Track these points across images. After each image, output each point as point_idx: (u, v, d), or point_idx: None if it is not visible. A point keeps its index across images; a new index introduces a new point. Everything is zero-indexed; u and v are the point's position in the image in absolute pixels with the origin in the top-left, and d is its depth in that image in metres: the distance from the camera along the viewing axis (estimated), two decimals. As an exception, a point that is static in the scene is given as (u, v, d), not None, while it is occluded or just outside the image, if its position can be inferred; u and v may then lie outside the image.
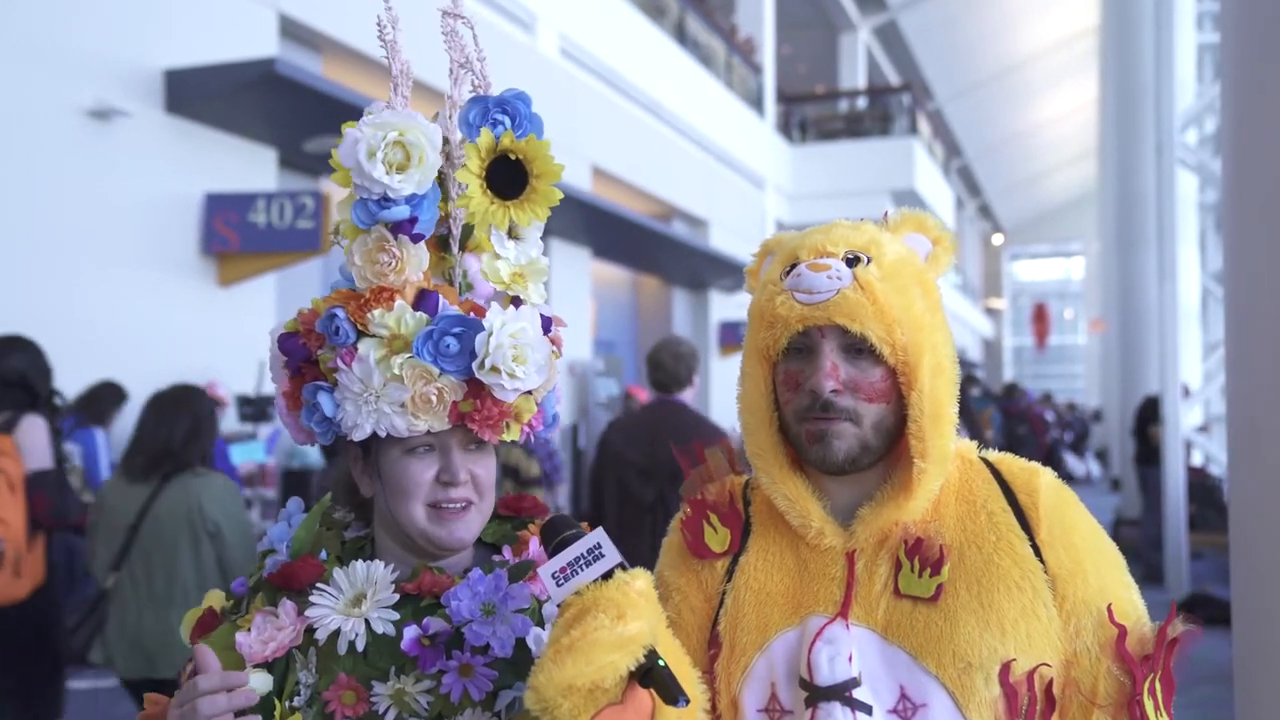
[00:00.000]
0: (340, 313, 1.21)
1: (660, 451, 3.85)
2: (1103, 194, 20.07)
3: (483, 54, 1.31)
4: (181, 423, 3.51)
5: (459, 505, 1.25)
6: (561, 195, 1.29)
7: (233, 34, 7.80)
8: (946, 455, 1.23)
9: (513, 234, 1.30)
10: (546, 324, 1.27)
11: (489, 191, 1.26)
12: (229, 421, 7.55)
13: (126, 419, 6.68)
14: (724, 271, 15.46)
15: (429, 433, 1.22)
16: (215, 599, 1.34)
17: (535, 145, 1.26)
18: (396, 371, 1.18)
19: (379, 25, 1.26)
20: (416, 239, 1.22)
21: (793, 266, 1.26)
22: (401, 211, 1.20)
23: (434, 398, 1.19)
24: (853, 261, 1.24)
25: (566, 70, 12.55)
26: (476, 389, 1.20)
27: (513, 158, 1.26)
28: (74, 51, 6.81)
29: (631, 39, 14.36)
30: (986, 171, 36.29)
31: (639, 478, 4.08)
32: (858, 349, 1.22)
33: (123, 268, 7.20)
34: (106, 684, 6.24)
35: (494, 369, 1.18)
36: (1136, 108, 13.00)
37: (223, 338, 7.86)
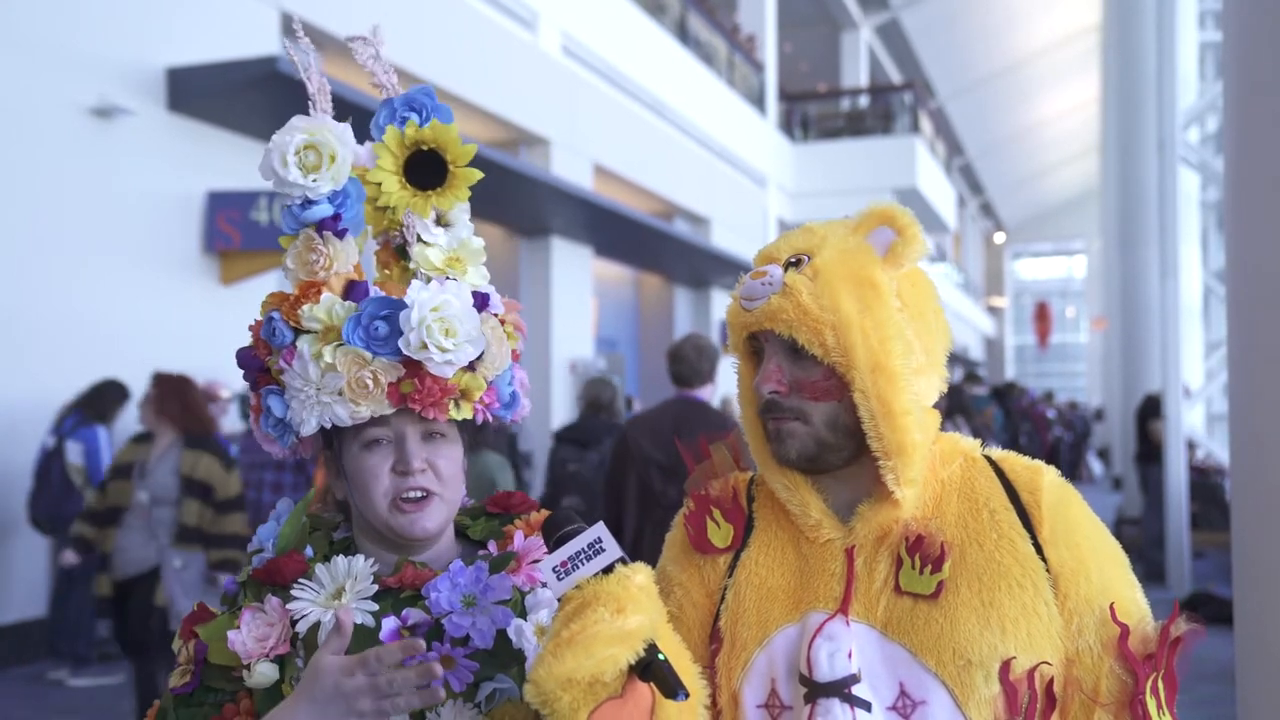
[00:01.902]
0: (276, 315, 1.25)
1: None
2: (1104, 192, 20.05)
3: (389, 68, 1.35)
4: None
5: (418, 495, 1.25)
6: (481, 175, 1.32)
7: (235, 32, 7.81)
8: (908, 448, 1.22)
9: (441, 221, 1.32)
10: (482, 299, 1.28)
11: (409, 185, 1.29)
12: (231, 420, 7.55)
13: (129, 416, 6.69)
14: (726, 270, 15.46)
15: (375, 422, 1.23)
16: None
17: (441, 130, 1.29)
18: (329, 360, 1.21)
19: (285, 47, 1.30)
20: (341, 234, 1.26)
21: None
22: (324, 210, 1.24)
23: (369, 381, 1.20)
24: (792, 265, 1.26)
25: (568, 68, 12.55)
26: (415, 369, 1.21)
27: (425, 148, 1.29)
28: (77, 50, 6.82)
29: (633, 37, 14.36)
30: (988, 169, 36.29)
31: (662, 476, 3.98)
32: (799, 350, 1.24)
33: (125, 265, 7.21)
34: (111, 681, 6.25)
35: (422, 345, 1.20)
36: (1138, 106, 13.00)
37: (225, 336, 7.84)
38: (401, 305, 1.21)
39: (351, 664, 1.10)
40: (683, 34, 16.24)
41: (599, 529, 1.10)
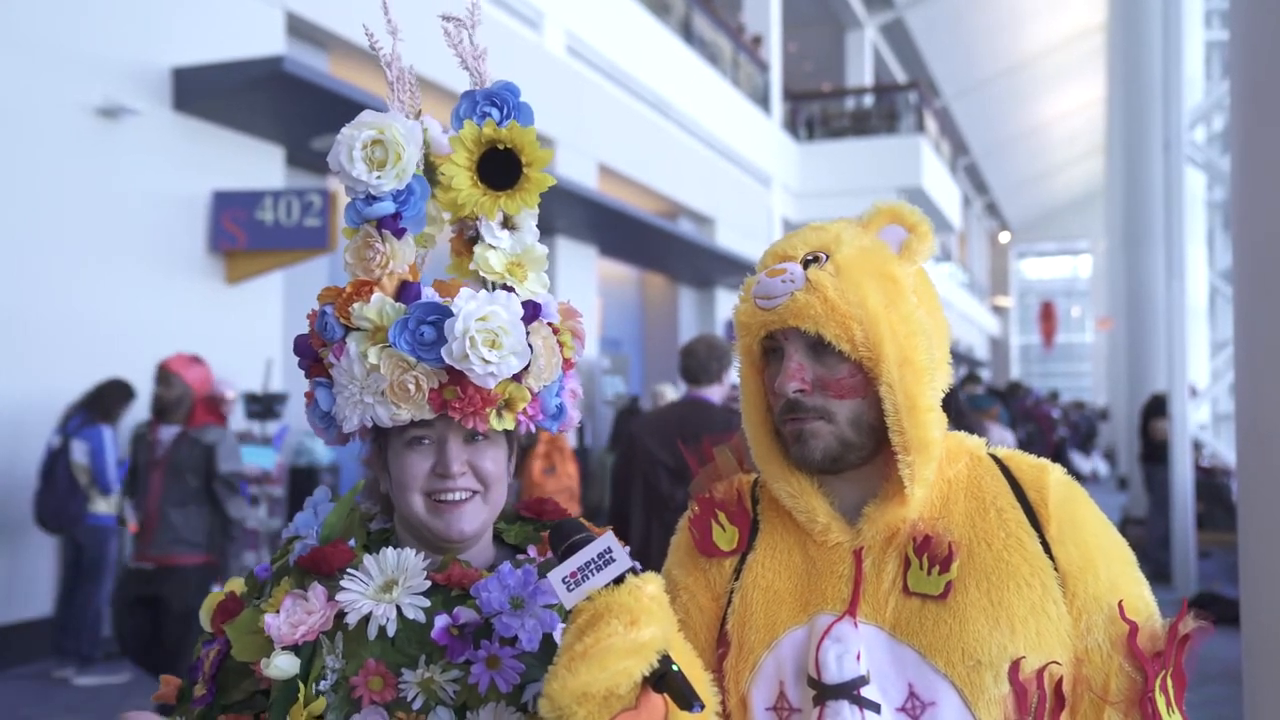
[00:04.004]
0: (328, 309, 1.25)
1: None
2: (1110, 192, 20.02)
3: (480, 51, 1.32)
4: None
5: (456, 496, 1.25)
6: (553, 180, 1.30)
7: (240, 32, 7.81)
8: (928, 444, 1.22)
9: (508, 224, 1.31)
10: (535, 309, 1.26)
11: (481, 183, 1.27)
12: (236, 420, 7.55)
13: (134, 416, 6.71)
14: (730, 269, 15.46)
15: (416, 423, 1.23)
16: (236, 584, 1.35)
17: (520, 132, 1.27)
18: (374, 361, 1.21)
19: (368, 35, 1.27)
20: (399, 233, 1.25)
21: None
22: (386, 207, 1.24)
23: (411, 386, 1.20)
24: (811, 262, 1.25)
25: (573, 68, 12.55)
26: (458, 376, 1.21)
27: (501, 148, 1.27)
28: (82, 50, 6.83)
29: (638, 37, 14.35)
30: (993, 169, 36.23)
31: (669, 477, 3.95)
32: (823, 347, 1.23)
33: (130, 265, 7.22)
34: (116, 680, 6.27)
35: (464, 355, 1.19)
36: (1144, 105, 12.96)
37: (230, 335, 7.87)
38: (449, 312, 1.20)
39: None
40: (687, 34, 16.23)
41: (608, 538, 1.09)
